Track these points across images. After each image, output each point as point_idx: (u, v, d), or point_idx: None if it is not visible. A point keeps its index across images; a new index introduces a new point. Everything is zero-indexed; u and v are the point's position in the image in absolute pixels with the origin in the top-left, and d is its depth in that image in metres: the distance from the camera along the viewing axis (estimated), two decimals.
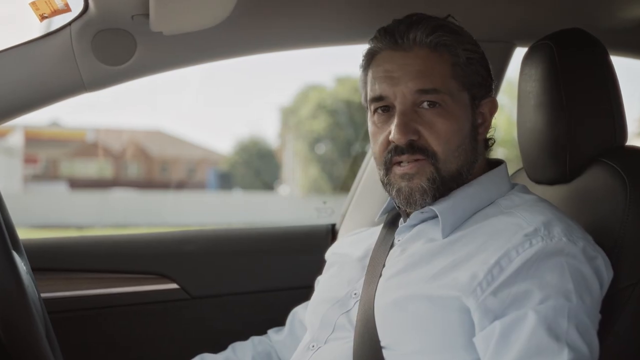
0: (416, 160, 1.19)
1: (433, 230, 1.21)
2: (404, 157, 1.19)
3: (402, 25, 1.21)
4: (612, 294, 1.12)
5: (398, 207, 1.32)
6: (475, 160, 1.24)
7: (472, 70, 1.22)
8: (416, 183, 1.19)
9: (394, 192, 1.22)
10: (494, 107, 1.27)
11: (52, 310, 1.38)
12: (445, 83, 1.19)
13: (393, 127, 1.19)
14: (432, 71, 1.19)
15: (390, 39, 1.22)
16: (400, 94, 1.20)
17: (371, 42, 1.26)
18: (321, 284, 1.43)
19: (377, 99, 1.23)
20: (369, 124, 1.27)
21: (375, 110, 1.24)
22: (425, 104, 1.19)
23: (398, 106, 1.20)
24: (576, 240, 1.09)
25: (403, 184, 1.21)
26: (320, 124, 15.96)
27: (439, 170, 1.19)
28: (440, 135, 1.19)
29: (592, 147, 1.28)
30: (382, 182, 1.25)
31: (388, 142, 1.21)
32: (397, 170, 1.21)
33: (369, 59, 1.26)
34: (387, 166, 1.22)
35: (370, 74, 1.25)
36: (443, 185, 1.20)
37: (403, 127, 1.18)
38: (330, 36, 1.63)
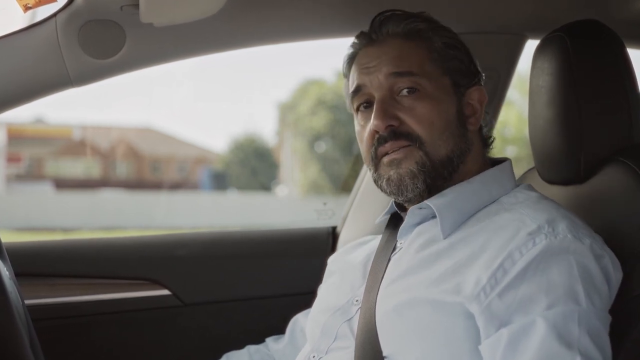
0: (402, 147, 1.21)
1: (434, 231, 1.21)
2: (387, 146, 1.22)
3: (376, 21, 1.28)
4: (628, 300, 1.12)
5: (398, 208, 1.33)
6: (467, 149, 1.25)
7: (450, 55, 1.26)
8: (405, 168, 1.21)
9: (384, 183, 1.24)
10: (482, 96, 1.29)
11: (37, 318, 1.37)
12: (422, 67, 1.24)
13: (372, 116, 1.22)
14: (407, 56, 1.24)
15: (365, 38, 1.29)
16: (376, 81, 1.24)
17: (349, 47, 1.32)
18: (322, 292, 1.44)
19: (355, 91, 1.27)
20: (355, 126, 1.31)
21: (357, 109, 1.29)
22: (404, 91, 1.23)
23: (376, 94, 1.24)
24: (582, 238, 1.09)
25: (392, 172, 1.23)
26: (320, 121, 15.97)
27: (428, 154, 1.21)
28: (422, 119, 1.21)
29: (608, 145, 1.28)
30: (374, 180, 1.27)
31: (372, 137, 1.24)
32: (385, 159, 1.23)
33: (350, 63, 1.32)
34: (375, 161, 1.25)
35: (350, 75, 1.31)
36: (434, 170, 1.22)
37: (381, 113, 1.22)
38: (329, 28, 1.63)
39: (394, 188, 1.23)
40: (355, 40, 1.31)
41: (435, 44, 1.26)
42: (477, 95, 1.28)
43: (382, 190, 1.26)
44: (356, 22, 1.43)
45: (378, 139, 1.23)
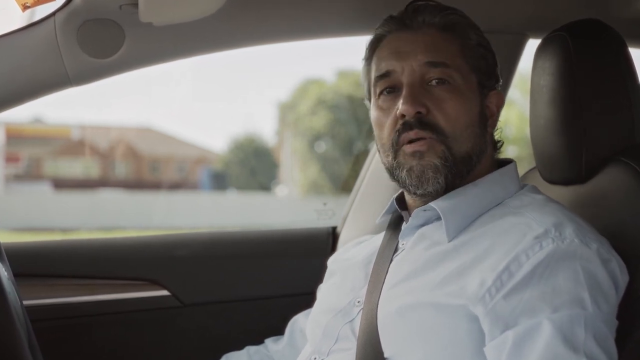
0: (425, 138, 1.19)
1: (438, 233, 1.21)
2: (412, 133, 1.19)
3: (409, 9, 1.26)
4: (632, 302, 1.12)
5: (399, 207, 1.32)
6: (484, 150, 1.25)
7: (480, 54, 1.25)
8: (428, 160, 1.20)
9: (404, 173, 1.22)
10: (500, 100, 1.29)
11: (35, 319, 1.37)
12: (455, 61, 1.22)
13: (401, 100, 1.20)
14: (442, 48, 1.23)
15: (397, 23, 1.26)
16: (409, 68, 1.22)
17: (377, 30, 1.29)
18: (322, 293, 1.44)
19: (383, 75, 1.25)
20: (373, 111, 1.28)
21: (380, 93, 1.26)
22: (434, 81, 1.21)
23: (405, 80, 1.22)
24: (589, 242, 1.09)
25: (414, 162, 1.20)
26: (320, 121, 15.96)
27: (450, 149, 1.20)
28: (448, 113, 1.20)
29: (610, 145, 1.28)
30: (390, 168, 1.25)
31: (395, 122, 1.22)
32: (407, 148, 1.21)
33: (374, 46, 1.29)
34: (396, 148, 1.22)
35: (375, 58, 1.28)
36: (455, 166, 1.20)
37: (411, 98, 1.19)
38: (330, 27, 1.63)
39: (414, 180, 1.21)
40: (384, 24, 1.28)
41: (469, 40, 1.25)
42: (495, 99, 1.28)
43: (399, 180, 1.24)
44: (356, 22, 1.44)
45: (403, 125, 1.20)
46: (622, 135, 1.29)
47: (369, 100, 1.31)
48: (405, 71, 1.22)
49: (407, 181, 1.22)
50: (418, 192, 1.23)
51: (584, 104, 1.28)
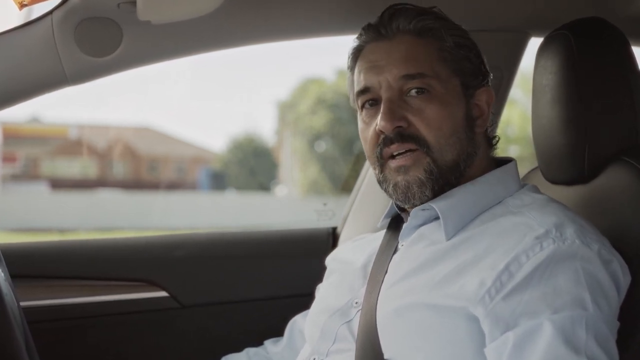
0: (409, 150, 1.20)
1: (437, 233, 1.21)
2: (393, 147, 1.20)
3: (385, 15, 1.25)
4: (634, 303, 1.12)
5: (398, 209, 1.32)
6: (473, 153, 1.24)
7: (461, 56, 1.24)
8: (412, 175, 1.20)
9: (390, 188, 1.23)
10: (490, 97, 1.28)
11: (33, 320, 1.37)
12: (433, 67, 1.21)
13: (379, 116, 1.20)
14: (418, 56, 1.22)
15: (373, 32, 1.26)
16: (385, 82, 1.22)
17: (356, 40, 1.29)
18: (321, 292, 1.44)
19: (362, 91, 1.25)
20: (359, 123, 1.29)
21: (362, 106, 1.26)
22: (413, 92, 1.21)
23: (384, 94, 1.22)
24: (590, 243, 1.09)
25: (399, 178, 1.21)
26: (320, 120, 15.96)
27: (435, 161, 1.20)
28: (430, 122, 1.20)
29: (612, 145, 1.28)
30: (378, 180, 1.26)
31: (377, 135, 1.22)
32: (392, 163, 1.22)
33: (355, 57, 1.29)
34: (380, 162, 1.23)
35: (356, 70, 1.28)
36: (441, 177, 1.21)
37: (389, 114, 1.20)
38: (329, 26, 1.63)
39: (400, 195, 1.22)
40: (362, 33, 1.28)
41: (446, 43, 1.23)
42: (485, 96, 1.26)
43: (387, 193, 1.25)
44: (356, 20, 1.43)
45: (384, 140, 1.21)
46: (624, 135, 1.29)
47: (356, 111, 1.31)
48: (382, 86, 1.22)
49: (394, 196, 1.24)
50: (406, 206, 1.25)
51: (586, 103, 1.28)
